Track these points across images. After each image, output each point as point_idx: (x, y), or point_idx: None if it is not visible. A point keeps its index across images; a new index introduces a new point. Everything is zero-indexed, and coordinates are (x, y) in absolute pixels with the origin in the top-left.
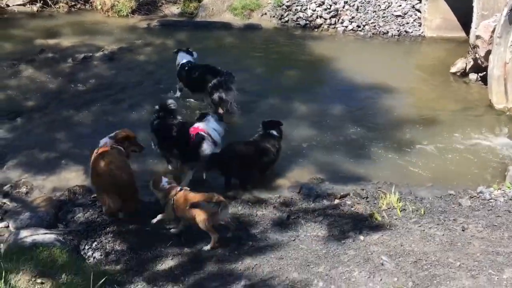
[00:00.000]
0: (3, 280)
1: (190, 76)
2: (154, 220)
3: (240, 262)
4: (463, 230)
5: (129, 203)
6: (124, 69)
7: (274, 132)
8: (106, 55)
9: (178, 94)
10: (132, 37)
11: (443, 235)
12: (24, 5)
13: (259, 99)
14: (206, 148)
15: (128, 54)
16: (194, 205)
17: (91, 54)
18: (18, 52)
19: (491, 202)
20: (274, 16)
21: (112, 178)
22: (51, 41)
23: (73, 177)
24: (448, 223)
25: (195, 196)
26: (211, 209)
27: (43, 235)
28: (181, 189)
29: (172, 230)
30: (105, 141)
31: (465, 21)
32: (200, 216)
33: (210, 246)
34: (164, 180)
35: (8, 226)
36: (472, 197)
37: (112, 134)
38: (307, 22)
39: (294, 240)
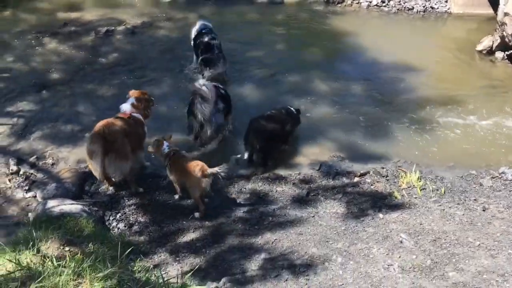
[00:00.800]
0: (36, 248)
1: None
2: (176, 196)
3: (260, 237)
4: (483, 210)
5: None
6: (146, 44)
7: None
8: (129, 29)
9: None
10: (155, 11)
11: (463, 214)
12: None
13: (280, 75)
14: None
15: (150, 29)
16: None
17: (113, 28)
18: (42, 25)
19: None
20: None
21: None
22: (74, 15)
23: None
24: (469, 203)
25: (190, 164)
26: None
27: (70, 206)
28: (174, 153)
29: (196, 215)
30: (125, 108)
31: None
32: (190, 184)
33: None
34: (166, 144)
35: (35, 196)
36: (494, 178)
37: (131, 100)
38: None
39: (314, 216)
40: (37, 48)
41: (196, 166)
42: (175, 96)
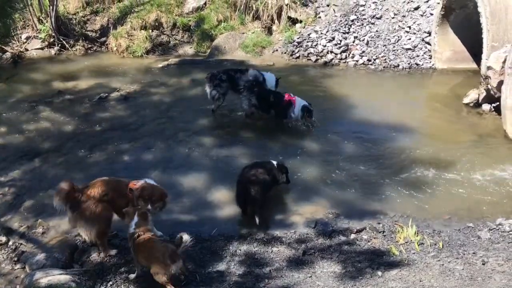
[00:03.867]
0: None
1: None
2: (132, 276)
3: None
4: (483, 264)
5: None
6: (139, 109)
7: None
8: (122, 95)
9: None
10: (147, 77)
11: (463, 269)
12: (42, 49)
13: (271, 136)
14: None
15: (143, 94)
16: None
17: (106, 94)
18: (37, 94)
19: (511, 234)
20: (285, 53)
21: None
22: (68, 84)
23: None
24: (468, 256)
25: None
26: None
27: (59, 276)
28: (139, 235)
29: (130, 276)
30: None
31: (476, 52)
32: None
33: None
34: (134, 221)
35: (24, 267)
36: (491, 230)
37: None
38: (318, 57)
39: (311, 276)
40: (31, 116)
41: (165, 252)
42: (167, 161)
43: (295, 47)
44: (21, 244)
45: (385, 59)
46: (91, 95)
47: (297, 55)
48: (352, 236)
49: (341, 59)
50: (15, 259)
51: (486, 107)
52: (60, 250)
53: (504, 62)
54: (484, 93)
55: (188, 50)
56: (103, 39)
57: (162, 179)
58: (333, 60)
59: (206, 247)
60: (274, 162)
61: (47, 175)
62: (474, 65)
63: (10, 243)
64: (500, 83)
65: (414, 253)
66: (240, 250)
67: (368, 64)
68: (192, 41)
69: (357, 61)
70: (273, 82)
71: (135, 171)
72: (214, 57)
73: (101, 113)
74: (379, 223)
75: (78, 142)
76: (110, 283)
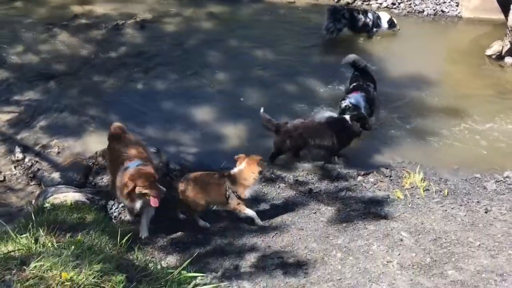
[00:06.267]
0: (37, 233)
1: None
2: None
3: (260, 230)
4: (486, 212)
5: None
6: (155, 38)
7: None
8: (138, 23)
9: None
10: (165, 6)
11: (465, 215)
12: None
13: (284, 77)
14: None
15: (159, 23)
16: None
17: (123, 21)
18: (53, 17)
19: None
20: None
21: None
22: (85, 8)
23: (102, 141)
24: (471, 204)
25: None
26: None
27: (73, 193)
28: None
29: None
30: None
31: (505, 3)
32: None
33: None
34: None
35: (40, 184)
36: (498, 181)
37: None
38: None
39: (315, 213)
40: (46, 39)
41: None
42: (179, 93)
43: None
44: (37, 161)
45: (410, 3)
46: (108, 21)
47: None
48: (359, 178)
49: (365, 0)
50: (31, 175)
51: (508, 60)
52: (75, 170)
53: None
54: (508, 46)
55: None
56: None
57: (174, 110)
58: (356, 2)
59: None
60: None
61: (62, 98)
62: (501, 16)
63: (26, 160)
64: None
65: (418, 198)
66: None
67: (392, 8)
68: None
69: (381, 4)
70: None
71: (148, 100)
72: None
73: (117, 40)
74: (386, 168)
75: (93, 67)
76: (122, 204)
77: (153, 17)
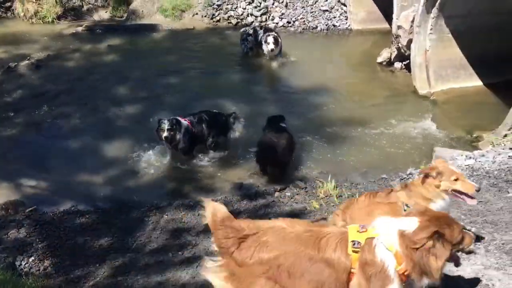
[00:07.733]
0: None
1: None
2: None
3: (186, 262)
4: None
5: None
6: (53, 76)
7: None
8: (33, 63)
9: None
10: (59, 44)
11: None
12: None
13: (194, 101)
14: None
15: (56, 62)
16: None
17: (16, 63)
18: None
19: None
20: (205, 16)
21: None
22: None
23: (3, 193)
24: None
25: None
26: None
27: None
28: None
29: None
30: None
31: (388, 13)
32: None
33: None
34: None
35: None
36: (403, 179)
37: None
38: (239, 20)
39: None
40: None
41: None
42: (88, 129)
43: (215, 10)
44: None
45: (304, 21)
46: None
47: (218, 18)
48: (276, 194)
49: (262, 21)
50: None
51: (397, 65)
52: None
53: (412, 21)
54: (396, 52)
55: (103, 14)
56: (8, 4)
57: (83, 147)
58: (254, 23)
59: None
60: None
61: None
62: (387, 25)
63: None
64: (410, 41)
65: (333, 205)
66: (166, 215)
67: (287, 26)
68: (107, 5)
69: (277, 23)
70: None
71: (53, 139)
72: (131, 22)
73: (11, 83)
74: (301, 180)
75: None
76: (32, 257)
77: (49, 56)
